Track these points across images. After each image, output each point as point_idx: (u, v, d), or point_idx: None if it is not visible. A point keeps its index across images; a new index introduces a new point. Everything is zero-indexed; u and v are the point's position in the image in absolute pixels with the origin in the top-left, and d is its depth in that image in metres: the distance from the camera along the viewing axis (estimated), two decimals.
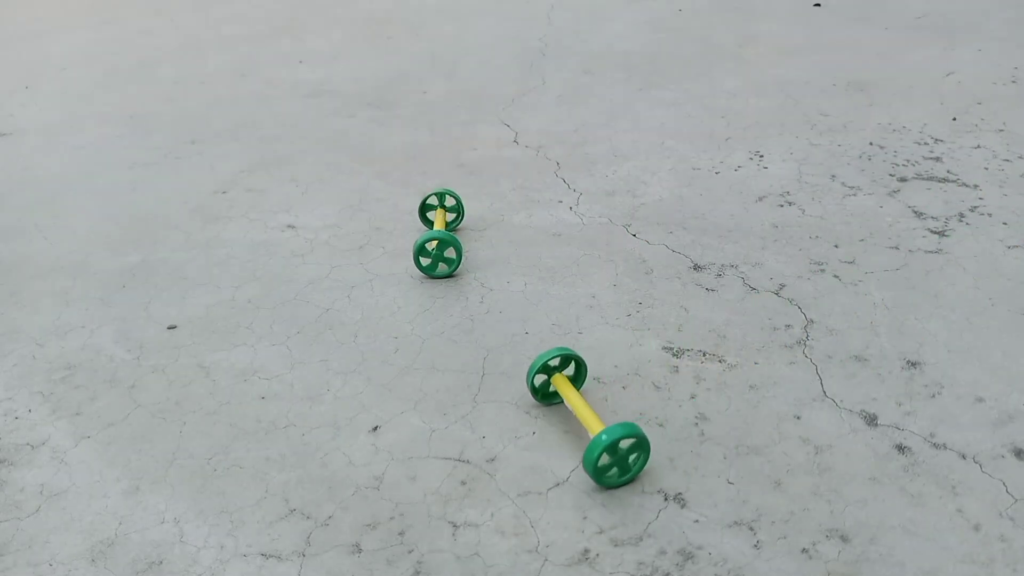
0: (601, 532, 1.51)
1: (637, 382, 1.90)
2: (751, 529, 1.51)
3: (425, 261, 2.36)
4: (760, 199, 2.78)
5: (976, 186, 2.77)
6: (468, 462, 1.69)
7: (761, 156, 3.12)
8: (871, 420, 1.75)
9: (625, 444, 1.57)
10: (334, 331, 2.15)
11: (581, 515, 1.55)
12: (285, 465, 1.71)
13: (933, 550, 1.45)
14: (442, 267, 2.38)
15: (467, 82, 4.26)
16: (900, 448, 1.67)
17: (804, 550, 1.46)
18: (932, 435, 1.70)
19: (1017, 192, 2.72)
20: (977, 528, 1.49)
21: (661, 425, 1.76)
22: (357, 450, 1.74)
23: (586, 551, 1.48)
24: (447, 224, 2.63)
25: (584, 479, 1.63)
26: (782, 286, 2.26)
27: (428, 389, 1.91)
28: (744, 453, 1.68)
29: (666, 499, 1.58)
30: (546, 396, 1.84)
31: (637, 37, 4.95)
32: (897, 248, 2.42)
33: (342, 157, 3.34)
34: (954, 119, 3.36)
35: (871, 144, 3.17)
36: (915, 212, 2.62)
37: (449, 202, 2.73)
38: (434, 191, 2.63)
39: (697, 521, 1.53)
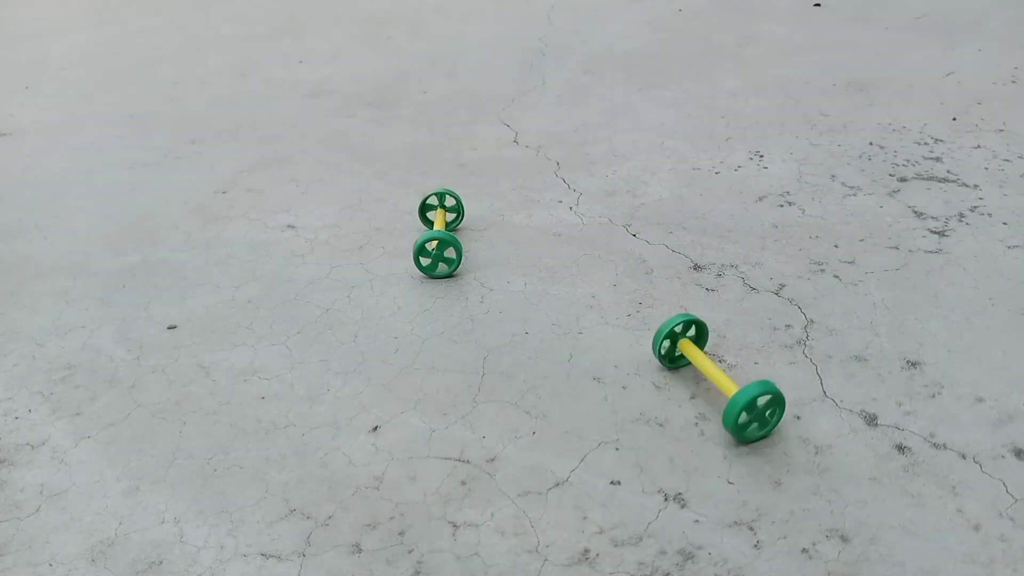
0: (601, 532, 1.51)
1: (637, 382, 1.90)
2: (751, 529, 1.51)
3: (425, 261, 2.36)
4: (760, 199, 2.78)
5: (976, 186, 2.77)
6: (468, 462, 1.69)
7: (761, 156, 3.12)
8: (871, 420, 1.75)
9: (762, 401, 1.67)
10: (334, 331, 2.16)
11: (581, 515, 1.55)
12: (285, 465, 1.71)
13: (933, 550, 1.45)
14: (442, 267, 2.38)
15: (467, 82, 4.26)
16: (900, 448, 1.67)
17: (804, 550, 1.46)
18: (932, 435, 1.70)
19: (1017, 192, 2.72)
20: (977, 528, 1.49)
21: (661, 425, 1.77)
22: (357, 450, 1.74)
23: (586, 551, 1.48)
24: (447, 224, 2.63)
25: (584, 479, 1.63)
26: (782, 286, 2.26)
27: (428, 389, 1.91)
28: (744, 453, 1.68)
29: (666, 499, 1.58)
30: (673, 360, 1.94)
31: (637, 37, 4.95)
32: (897, 248, 2.42)
33: (342, 157, 3.34)
34: (954, 119, 3.36)
35: (871, 144, 3.17)
36: (915, 212, 2.62)
37: (449, 202, 2.74)
38: (434, 191, 2.63)
39: (697, 521, 1.53)
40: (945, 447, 1.67)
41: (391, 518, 1.57)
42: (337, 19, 5.90)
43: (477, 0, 6.20)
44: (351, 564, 1.48)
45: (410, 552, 1.49)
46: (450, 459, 1.70)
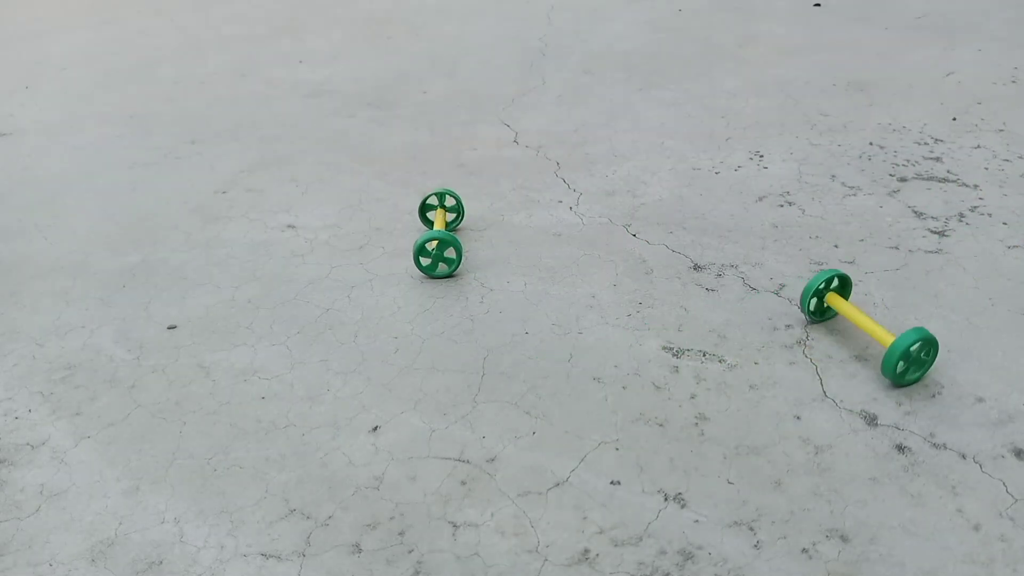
0: (601, 532, 1.51)
1: (637, 382, 1.90)
2: (751, 529, 1.51)
3: (425, 261, 2.36)
4: (760, 199, 2.78)
5: (976, 186, 2.77)
6: (468, 462, 1.69)
7: (761, 156, 3.12)
8: (871, 420, 1.75)
9: (916, 347, 1.77)
10: (334, 331, 2.16)
11: (581, 515, 1.55)
12: (285, 465, 1.71)
13: (933, 550, 1.45)
14: (442, 267, 2.38)
15: (467, 82, 4.26)
16: (900, 448, 1.67)
17: (804, 550, 1.46)
18: (932, 435, 1.70)
19: (1017, 192, 2.72)
20: (977, 528, 1.49)
21: (661, 425, 1.77)
22: (357, 450, 1.74)
23: (586, 551, 1.48)
24: (447, 224, 2.63)
25: (584, 479, 1.63)
26: (782, 286, 2.26)
27: (428, 389, 1.91)
28: (744, 453, 1.68)
29: (666, 499, 1.58)
30: (821, 314, 2.07)
31: (637, 37, 4.95)
32: (897, 248, 2.42)
33: (342, 157, 3.34)
34: (954, 119, 3.36)
35: (871, 144, 3.17)
36: (915, 212, 2.62)
37: (449, 202, 2.74)
38: (434, 191, 2.63)
39: (697, 521, 1.53)
40: (945, 447, 1.67)
41: (391, 518, 1.57)
42: (337, 19, 5.90)
43: (477, 0, 6.20)
44: (351, 564, 1.48)
45: (410, 552, 1.49)
46: (450, 459, 1.70)
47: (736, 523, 1.52)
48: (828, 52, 4.40)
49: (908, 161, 3.00)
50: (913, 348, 1.77)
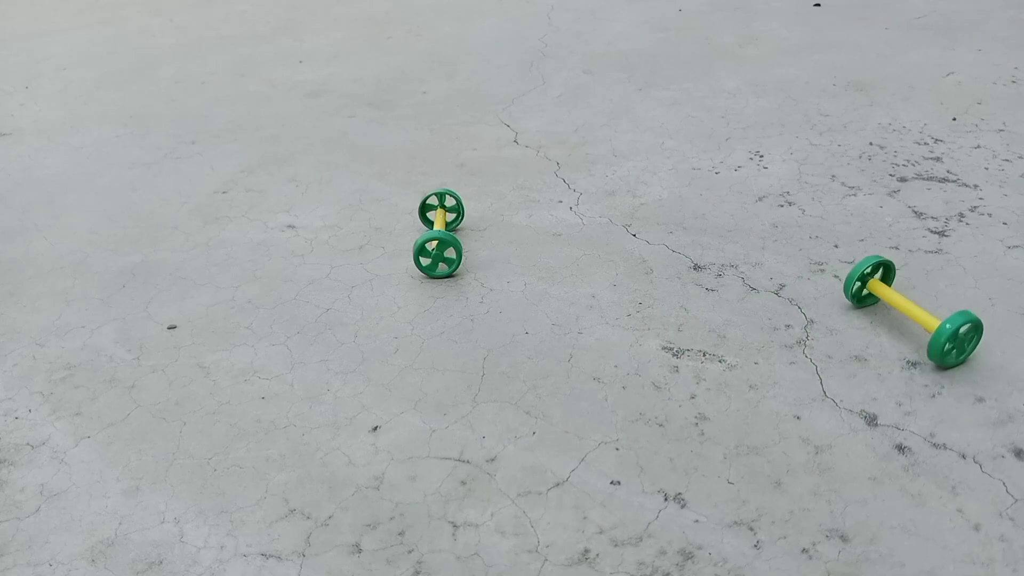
0: (601, 532, 1.51)
1: (637, 382, 1.90)
2: (751, 529, 1.51)
3: (425, 261, 2.36)
4: (760, 199, 2.78)
5: (976, 186, 2.77)
6: (468, 462, 1.69)
7: (761, 156, 3.12)
8: (871, 420, 1.75)
9: (965, 329, 1.82)
10: (334, 331, 2.16)
11: (581, 515, 1.55)
12: (285, 465, 1.71)
13: (933, 550, 1.45)
14: (442, 267, 2.38)
15: (467, 82, 4.26)
16: (900, 448, 1.67)
17: (804, 550, 1.46)
18: (932, 435, 1.70)
19: (1017, 192, 2.72)
20: (977, 528, 1.49)
21: (661, 425, 1.77)
22: (357, 450, 1.74)
23: (586, 551, 1.48)
24: (447, 224, 2.63)
25: (584, 479, 1.63)
26: (782, 286, 2.26)
27: (428, 389, 1.91)
28: (744, 453, 1.68)
29: (666, 499, 1.58)
30: (861, 300, 2.11)
31: (637, 37, 4.95)
32: (897, 248, 2.42)
33: (342, 157, 3.34)
34: (954, 119, 3.36)
35: (871, 144, 3.17)
36: (915, 212, 2.62)
37: (449, 202, 2.74)
38: (434, 191, 2.63)
39: (697, 521, 1.53)
40: (945, 447, 1.67)
41: (391, 518, 1.57)
42: (337, 19, 5.90)
43: (477, 0, 6.20)
44: (351, 564, 1.48)
45: (410, 552, 1.49)
46: (450, 459, 1.70)
47: (736, 523, 1.52)
48: (828, 52, 4.40)
49: (908, 161, 3.00)
50: (962, 330, 1.82)
